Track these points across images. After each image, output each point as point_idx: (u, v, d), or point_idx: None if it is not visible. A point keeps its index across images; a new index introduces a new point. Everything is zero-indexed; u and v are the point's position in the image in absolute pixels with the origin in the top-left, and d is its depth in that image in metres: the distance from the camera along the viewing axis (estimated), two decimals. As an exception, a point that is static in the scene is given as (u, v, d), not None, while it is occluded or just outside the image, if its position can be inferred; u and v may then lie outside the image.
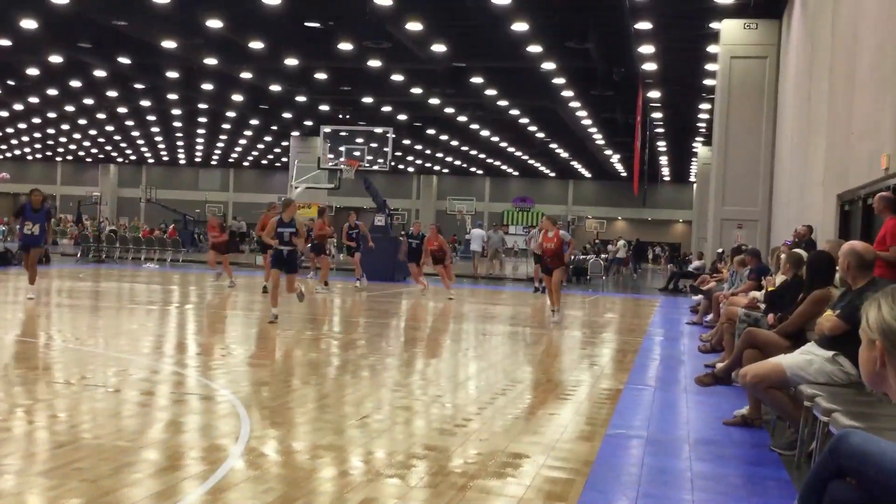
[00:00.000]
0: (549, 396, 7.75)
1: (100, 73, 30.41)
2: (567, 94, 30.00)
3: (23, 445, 5.31)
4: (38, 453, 5.12)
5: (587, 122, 36.23)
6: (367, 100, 34.03)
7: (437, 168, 61.64)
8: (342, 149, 28.17)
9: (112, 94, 34.96)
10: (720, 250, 20.34)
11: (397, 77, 29.14)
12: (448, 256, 20.07)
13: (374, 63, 26.68)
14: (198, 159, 61.78)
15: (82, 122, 44.89)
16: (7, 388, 7.18)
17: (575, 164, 54.97)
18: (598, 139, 41.78)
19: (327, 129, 28.95)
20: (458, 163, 57.53)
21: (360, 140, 28.84)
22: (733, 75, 22.88)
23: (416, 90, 30.98)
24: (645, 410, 7.20)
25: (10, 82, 32.19)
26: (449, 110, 35.45)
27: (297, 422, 6.29)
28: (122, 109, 39.97)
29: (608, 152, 46.98)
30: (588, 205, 63.71)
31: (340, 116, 36.97)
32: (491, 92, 30.39)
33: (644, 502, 4.63)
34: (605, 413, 6.93)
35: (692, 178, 51.93)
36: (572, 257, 22.72)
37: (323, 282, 19.59)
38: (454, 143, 46.57)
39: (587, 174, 60.65)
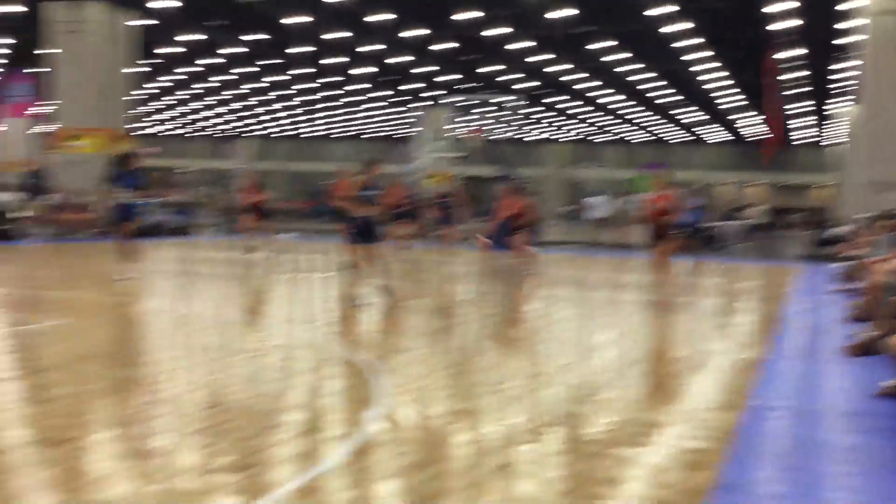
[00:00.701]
0: (685, 366, 7.59)
1: (233, 51, 31.35)
2: (696, 55, 29.06)
3: (176, 406, 5.59)
4: (190, 414, 5.38)
5: (717, 84, 35.04)
6: (493, 69, 33.89)
7: (562, 136, 60.99)
8: (468, 118, 28.17)
9: (245, 70, 36.00)
10: (867, 214, 19.34)
11: (522, 44, 28.87)
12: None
13: (499, 30, 26.51)
14: (325, 132, 63.08)
15: (218, 98, 46.51)
16: (162, 352, 7.57)
17: (705, 128, 53.34)
18: (730, 101, 40.38)
19: (453, 99, 29.02)
20: (584, 130, 56.76)
21: (485, 109, 28.76)
22: (881, 33, 21.61)
23: (542, 57, 30.63)
24: (788, 381, 6.95)
25: (151, 61, 33.55)
26: (574, 76, 34.93)
27: (431, 388, 6.38)
28: (254, 85, 41.14)
29: (740, 115, 45.37)
30: (720, 170, 61.77)
31: (466, 86, 36.99)
32: (617, 56, 29.75)
33: (789, 475, 4.48)
34: (745, 383, 6.73)
35: (829, 141, 49.59)
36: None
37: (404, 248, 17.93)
38: (580, 110, 45.93)
39: (718, 138, 58.79)
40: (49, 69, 25.01)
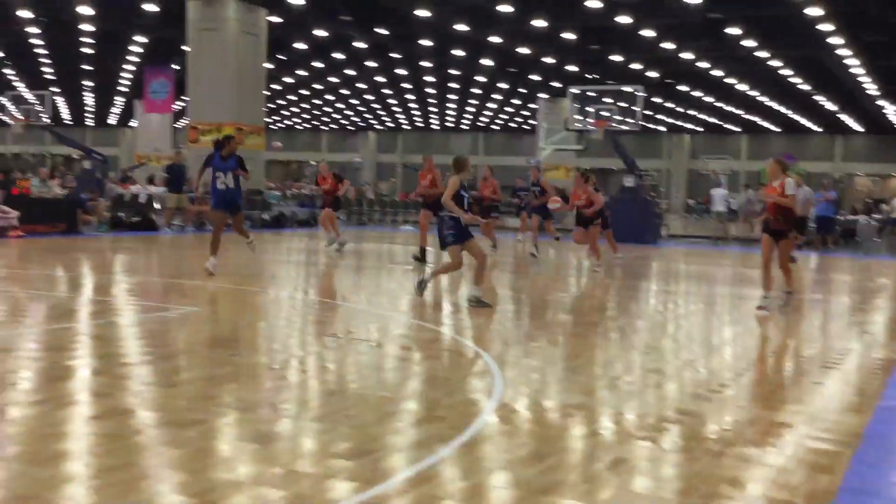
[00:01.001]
0: (813, 365, 7.31)
1: (360, 45, 31.96)
2: (835, 40, 27.77)
3: (298, 393, 5.77)
4: (311, 400, 5.54)
5: (857, 70, 33.40)
6: (616, 58, 33.33)
7: (689, 126, 59.42)
8: (590, 109, 27.80)
9: (371, 63, 36.65)
10: None
11: (647, 32, 28.27)
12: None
13: (624, 19, 26.05)
14: (449, 124, 63.54)
15: (345, 91, 47.49)
16: (284, 340, 7.82)
17: (843, 117, 50.95)
18: (870, 89, 38.43)
19: (575, 90, 28.69)
20: (711, 120, 55.12)
21: (608, 100, 28.31)
22: None
23: (668, 45, 29.92)
24: (924, 383, 6.60)
25: (281, 57, 34.55)
26: (703, 65, 33.95)
27: (547, 380, 6.36)
28: (380, 78, 41.83)
29: (882, 103, 43.10)
30: (858, 161, 58.93)
31: (588, 76, 36.53)
32: (749, 43, 28.75)
33: (923, 482, 4.27)
34: (877, 384, 6.43)
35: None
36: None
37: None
38: (708, 99, 44.61)
39: (857, 128, 56.06)
40: (187, 66, 26.09)
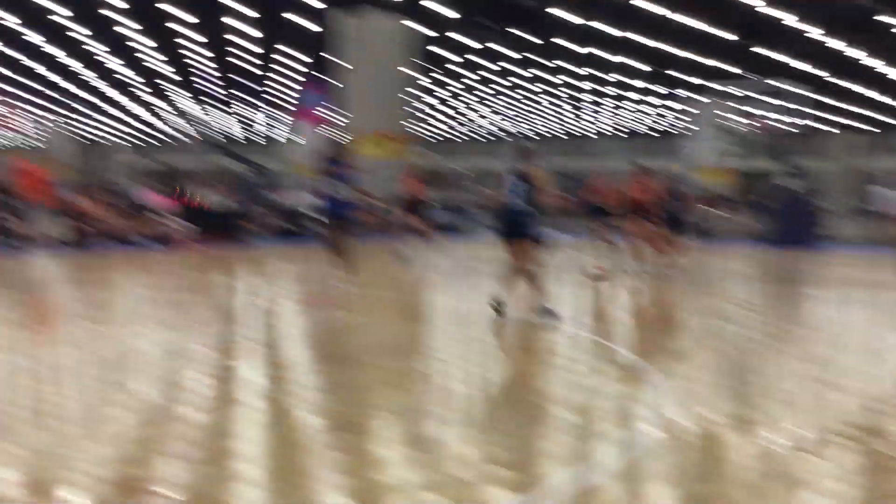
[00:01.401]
0: None
1: (510, 53, 31.98)
2: None
3: (456, 400, 5.81)
4: (470, 407, 5.56)
5: None
6: (776, 56, 32.02)
7: (855, 125, 56.43)
8: (748, 110, 26.82)
9: (520, 71, 36.63)
10: None
11: (808, 27, 27.01)
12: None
13: (783, 14, 24.98)
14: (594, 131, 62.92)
15: (492, 100, 47.80)
16: (443, 347, 7.90)
17: None
18: None
19: (731, 90, 27.74)
20: (880, 118, 52.12)
21: (766, 100, 27.26)
22: None
23: (831, 40, 28.50)
24: None
25: (428, 66, 35.03)
26: (869, 61, 32.17)
27: (713, 392, 6.16)
28: (526, 86, 41.85)
29: None
30: None
31: (745, 77, 35.27)
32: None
33: None
34: None
35: None
36: None
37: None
38: (875, 96, 42.22)
39: None
40: (340, 79, 26.87)
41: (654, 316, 10.28)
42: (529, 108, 51.50)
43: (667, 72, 36.09)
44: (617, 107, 49.68)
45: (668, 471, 4.25)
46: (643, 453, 4.55)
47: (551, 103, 49.19)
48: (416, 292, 12.21)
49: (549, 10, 25.06)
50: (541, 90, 43.25)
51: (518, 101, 47.72)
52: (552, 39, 29.41)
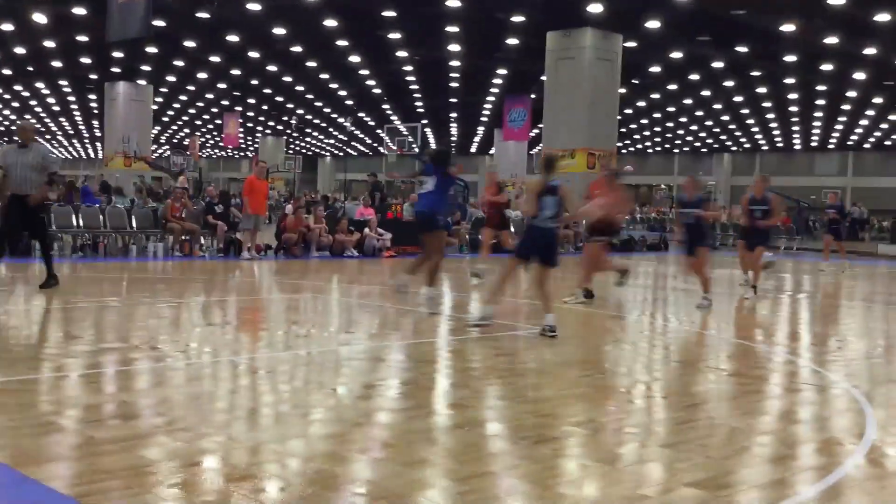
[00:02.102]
0: None
1: (717, 64, 31.07)
2: None
3: (647, 417, 5.70)
4: (660, 425, 5.44)
5: None
6: None
7: None
8: None
9: (729, 83, 35.47)
10: None
11: None
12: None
13: None
14: (814, 143, 59.54)
15: (699, 113, 46.39)
16: (631, 364, 7.78)
17: None
18: None
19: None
20: None
21: None
22: None
23: None
24: None
25: (635, 81, 34.57)
26: None
27: (928, 426, 5.70)
28: (737, 98, 40.33)
29: None
30: None
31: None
32: None
33: None
34: None
35: None
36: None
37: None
38: None
39: None
40: (544, 94, 27.02)
41: (867, 340, 9.63)
42: (738, 120, 49.62)
43: (890, 82, 33.77)
44: (832, 119, 46.93)
45: (871, 500, 3.98)
46: (847, 483, 4.28)
47: (763, 115, 47.17)
48: (613, 307, 12.05)
49: (765, 19, 24.08)
50: (752, 101, 41.58)
51: (726, 112, 46.07)
52: (768, 50, 28.23)
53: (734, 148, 64.47)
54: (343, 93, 41.39)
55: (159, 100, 44.32)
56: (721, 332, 9.99)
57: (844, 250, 20.96)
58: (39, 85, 43.10)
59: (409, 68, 33.95)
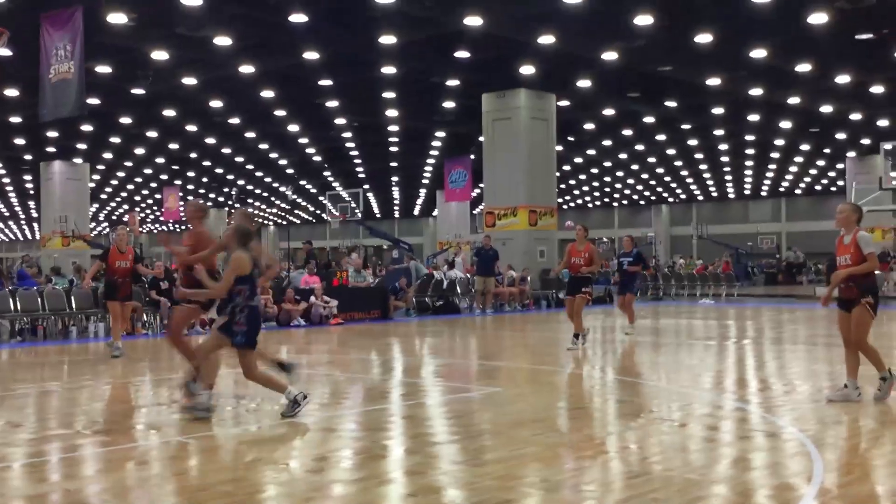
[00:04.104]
0: None
1: (648, 119, 31.89)
2: None
3: (600, 475, 5.71)
4: (614, 481, 5.46)
5: None
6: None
7: None
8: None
9: (660, 137, 36.38)
10: None
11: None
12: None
13: (941, 66, 23.87)
14: (746, 191, 61.14)
15: (635, 167, 47.40)
16: (584, 420, 7.80)
17: None
18: None
19: (888, 146, 26.58)
20: None
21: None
22: None
23: None
24: None
25: (570, 138, 35.27)
26: None
27: (874, 464, 5.81)
28: (670, 151, 41.36)
29: None
30: None
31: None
32: None
33: None
34: None
35: None
36: None
37: None
38: None
39: None
40: (483, 154, 27.41)
41: (810, 382, 9.81)
42: (673, 172, 50.78)
43: (815, 129, 34.96)
44: (763, 167, 48.30)
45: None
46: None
47: (696, 167, 48.34)
48: (558, 363, 12.12)
49: (692, 75, 24.85)
50: (685, 153, 42.64)
51: (661, 165, 47.12)
52: (695, 103, 29.08)
53: (671, 199, 65.82)
54: (283, 162, 41.46)
55: (96, 177, 43.88)
56: (662, 381, 10.09)
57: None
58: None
59: (348, 134, 34.20)
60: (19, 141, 34.01)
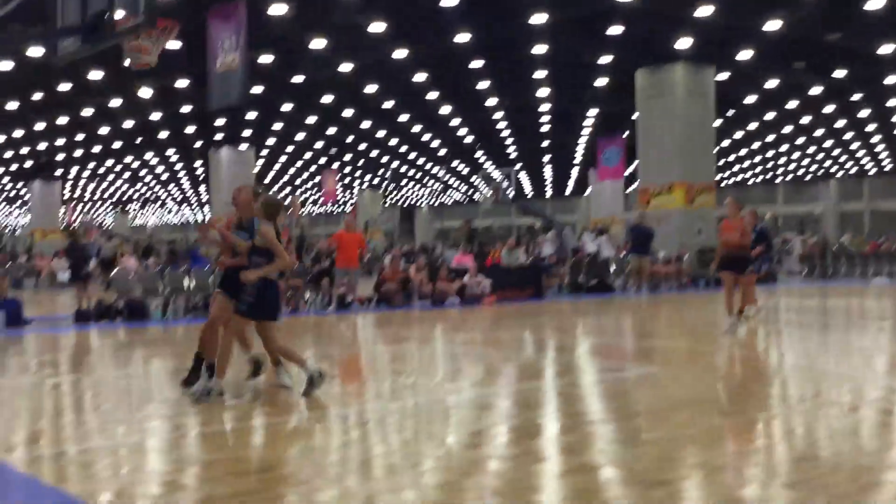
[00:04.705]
0: None
1: (815, 90, 30.32)
2: None
3: (766, 457, 5.52)
4: (780, 465, 5.27)
5: None
6: None
7: None
8: None
9: (828, 109, 34.53)
10: None
11: None
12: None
13: None
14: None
15: (799, 140, 45.19)
16: (745, 402, 7.56)
17: None
18: None
19: None
20: None
21: None
22: None
23: None
24: None
25: (729, 114, 33.97)
26: None
27: None
28: (839, 123, 39.18)
29: None
30: None
31: None
32: None
33: None
34: None
35: None
36: None
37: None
38: None
39: None
40: (637, 132, 26.84)
41: None
42: (842, 145, 48.11)
43: None
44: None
45: None
46: None
47: (868, 140, 45.62)
48: (716, 343, 11.76)
49: (864, 42, 23.43)
50: (855, 125, 40.33)
51: (829, 137, 44.74)
52: (867, 73, 27.42)
53: (840, 173, 62.40)
54: (436, 143, 41.98)
55: (260, 162, 45.78)
56: (831, 364, 9.63)
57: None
58: (148, 156, 45.11)
59: (499, 115, 34.23)
60: (190, 129, 35.92)
